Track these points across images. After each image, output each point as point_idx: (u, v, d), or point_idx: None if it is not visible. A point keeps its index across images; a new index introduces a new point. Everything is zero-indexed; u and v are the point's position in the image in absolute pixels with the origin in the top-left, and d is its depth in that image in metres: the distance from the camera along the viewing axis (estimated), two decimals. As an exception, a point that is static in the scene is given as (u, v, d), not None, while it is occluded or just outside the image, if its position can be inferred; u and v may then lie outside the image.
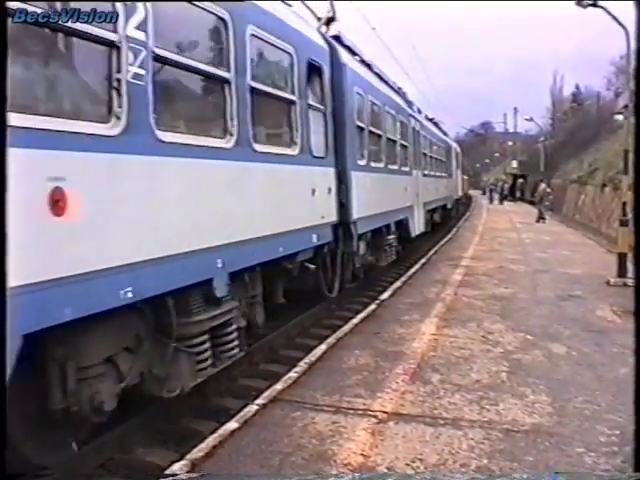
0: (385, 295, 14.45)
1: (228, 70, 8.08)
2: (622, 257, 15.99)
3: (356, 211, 13.65)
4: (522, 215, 47.99)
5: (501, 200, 71.97)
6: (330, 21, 15.00)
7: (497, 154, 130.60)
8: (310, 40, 12.02)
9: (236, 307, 8.46)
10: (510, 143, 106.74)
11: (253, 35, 8.84)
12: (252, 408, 7.31)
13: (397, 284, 16.10)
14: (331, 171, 12.67)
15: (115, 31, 5.76)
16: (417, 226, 23.31)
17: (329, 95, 12.76)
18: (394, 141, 19.81)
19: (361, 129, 15.16)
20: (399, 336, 10.64)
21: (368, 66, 17.56)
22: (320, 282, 12.83)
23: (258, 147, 8.99)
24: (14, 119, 4.19)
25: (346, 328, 11.20)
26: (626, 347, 8.95)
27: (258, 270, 9.54)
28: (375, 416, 7.08)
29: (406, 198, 21.27)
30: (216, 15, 7.85)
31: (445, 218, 36.71)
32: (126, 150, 6.03)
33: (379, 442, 6.39)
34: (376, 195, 16.27)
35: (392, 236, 18.69)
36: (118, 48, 5.80)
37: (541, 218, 40.70)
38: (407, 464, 5.86)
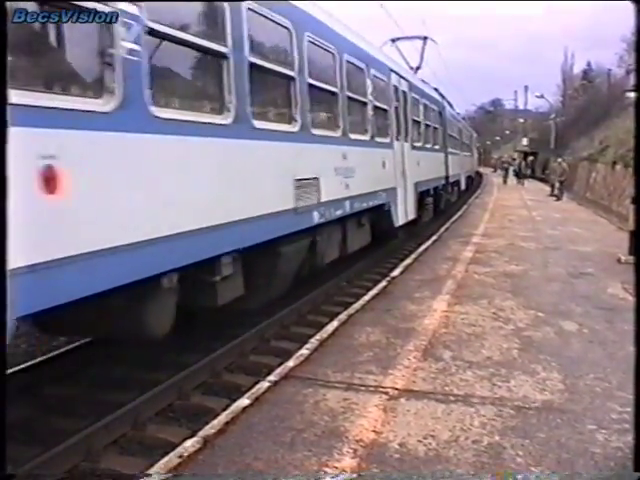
0: (396, 272, 14.43)
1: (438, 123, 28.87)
2: (633, 235, 15.91)
3: (449, 172, 31.45)
4: (533, 192, 47.85)
5: (519, 179, 62.81)
6: (418, 68, 31.64)
7: (507, 131, 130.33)
8: (439, 100, 30.24)
9: (432, 202, 25.34)
10: (521, 120, 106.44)
11: (424, 106, 24.52)
12: (264, 385, 7.33)
13: (408, 261, 16.09)
14: (443, 154, 29.95)
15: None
16: (462, 184, 42.39)
17: (443, 122, 30.58)
18: (457, 138, 39.90)
19: (449, 134, 33.70)
20: (410, 313, 10.65)
21: (443, 97, 33.95)
22: (441, 201, 28.78)
23: (435, 147, 27.23)
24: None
25: (357, 305, 11.21)
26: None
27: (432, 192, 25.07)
28: (387, 393, 7.10)
29: (460, 168, 40.31)
30: (437, 108, 29.45)
31: (469, 185, 51.78)
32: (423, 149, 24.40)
33: (391, 418, 6.40)
34: (453, 166, 33.88)
35: (456, 188, 37.30)
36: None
37: (556, 196, 40.55)
38: (419, 440, 5.86)
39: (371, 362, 8.14)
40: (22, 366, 8.60)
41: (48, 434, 6.76)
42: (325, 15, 12.51)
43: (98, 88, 6.00)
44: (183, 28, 7.27)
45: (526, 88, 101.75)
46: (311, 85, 11.12)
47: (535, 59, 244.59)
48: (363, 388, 7.25)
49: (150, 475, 4.87)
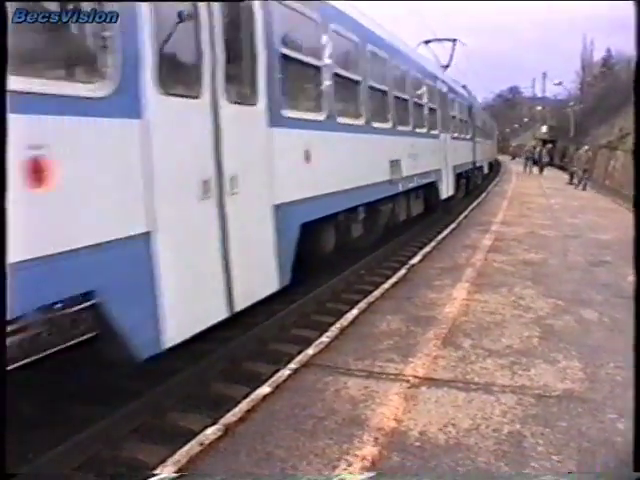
0: (415, 260, 14.48)
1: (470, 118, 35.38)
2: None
3: (476, 158, 36.68)
4: (551, 180, 47.71)
5: (541, 169, 60.03)
6: (447, 67, 32.97)
7: (526, 119, 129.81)
8: (468, 96, 35.68)
9: (464, 182, 32.10)
10: (539, 108, 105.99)
11: (459, 104, 30.59)
12: (284, 373, 7.36)
13: (427, 249, 16.10)
14: (472, 143, 35.07)
15: None
16: (485, 169, 47.19)
17: (471, 116, 35.38)
18: (481, 128, 44.08)
19: (476, 126, 38.34)
20: (430, 301, 10.68)
21: (470, 94, 38.56)
22: (470, 182, 35.17)
23: (466, 137, 33.58)
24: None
25: (377, 293, 11.26)
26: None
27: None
28: (407, 381, 7.12)
29: (483, 155, 44.41)
30: (466, 103, 34.78)
31: (490, 170, 55.98)
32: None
33: (412, 407, 6.42)
34: (478, 153, 38.54)
35: (480, 172, 42.32)
36: None
37: (575, 184, 40.78)
38: (440, 429, 5.89)
39: (392, 350, 8.16)
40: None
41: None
42: (402, 43, 18.85)
43: (319, 107, 11.44)
44: (345, 69, 12.77)
45: (544, 75, 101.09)
46: (396, 96, 16.61)
47: (553, 46, 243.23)
48: (384, 376, 7.29)
49: (159, 474, 4.88)
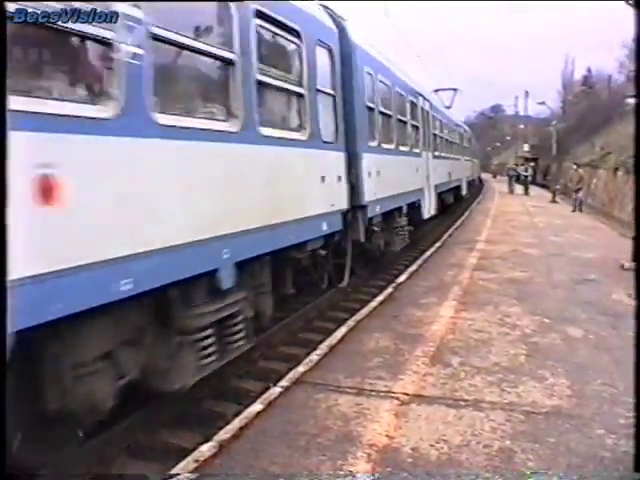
0: (402, 278, 14.57)
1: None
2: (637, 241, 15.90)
3: (474, 172, 58.44)
4: (534, 199, 47.92)
5: (526, 188, 55.98)
6: (449, 107, 37.82)
7: (508, 137, 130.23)
8: (469, 131, 56.04)
9: (468, 187, 47.05)
10: (521, 126, 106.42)
11: (469, 139, 54.45)
12: (275, 390, 7.41)
13: (413, 267, 16.23)
14: (470, 163, 51.24)
15: None
16: (476, 181, 61.60)
17: (470, 143, 54.65)
18: (474, 151, 60.66)
19: (472, 151, 57.59)
20: (417, 319, 10.75)
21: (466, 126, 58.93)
22: (471, 187, 51.64)
23: (467, 159, 48.02)
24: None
25: (365, 311, 11.32)
26: (643, 331, 8.97)
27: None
28: (397, 398, 7.19)
29: (473, 171, 55.62)
30: (467, 135, 51.89)
31: (479, 182, 68.55)
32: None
33: (403, 423, 6.50)
34: (472, 170, 52.66)
35: (474, 182, 58.96)
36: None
37: (578, 208, 37.57)
38: (431, 445, 5.96)
39: (381, 368, 8.23)
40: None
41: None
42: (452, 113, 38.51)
43: (435, 149, 25.84)
44: (449, 135, 34.38)
45: (526, 94, 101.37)
46: (449, 140, 32.85)
47: (535, 64, 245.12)
48: (374, 393, 7.36)
49: (175, 475, 4.91)
